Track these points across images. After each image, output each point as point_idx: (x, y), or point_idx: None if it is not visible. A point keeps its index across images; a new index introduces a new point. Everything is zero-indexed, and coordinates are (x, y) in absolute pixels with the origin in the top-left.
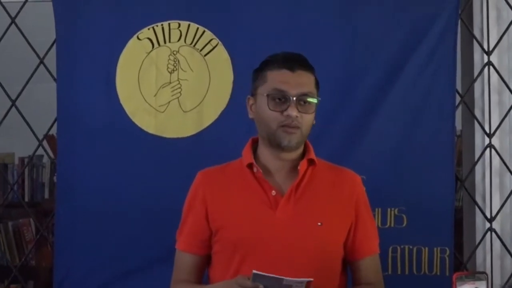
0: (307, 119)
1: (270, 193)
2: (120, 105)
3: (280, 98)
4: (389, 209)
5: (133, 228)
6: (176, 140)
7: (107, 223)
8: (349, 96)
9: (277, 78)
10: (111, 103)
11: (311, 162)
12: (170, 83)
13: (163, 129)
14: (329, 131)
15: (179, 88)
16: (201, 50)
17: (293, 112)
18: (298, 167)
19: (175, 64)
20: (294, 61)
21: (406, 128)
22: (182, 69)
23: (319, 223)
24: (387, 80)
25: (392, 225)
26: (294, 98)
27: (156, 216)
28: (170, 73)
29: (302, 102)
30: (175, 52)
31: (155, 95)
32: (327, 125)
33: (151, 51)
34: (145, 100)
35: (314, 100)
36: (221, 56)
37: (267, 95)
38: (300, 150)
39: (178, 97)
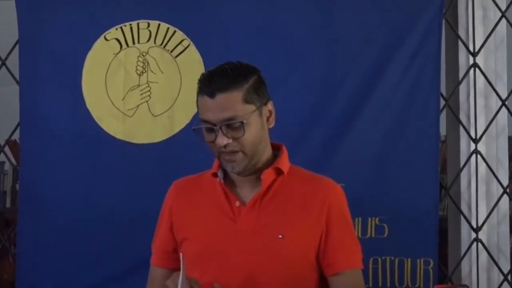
0: (244, 141)
1: (234, 204)
2: (87, 109)
3: (209, 128)
4: (369, 219)
5: (102, 238)
6: (145, 146)
7: (74, 233)
8: (328, 101)
9: (201, 107)
10: (77, 107)
11: (278, 171)
12: (139, 85)
13: (132, 135)
14: (307, 137)
15: (149, 91)
16: (171, 51)
17: (222, 141)
18: (261, 177)
19: (144, 66)
20: (213, 84)
21: (388, 133)
22: (151, 71)
23: (280, 236)
24: (367, 84)
25: (373, 235)
26: (219, 126)
27: (126, 226)
28: (139, 75)
29: (229, 128)
30: (144, 53)
31: (123, 99)
32: (305, 131)
33: (119, 52)
34: (113, 104)
35: (242, 120)
36: (193, 58)
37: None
38: (263, 158)
39: (147, 101)
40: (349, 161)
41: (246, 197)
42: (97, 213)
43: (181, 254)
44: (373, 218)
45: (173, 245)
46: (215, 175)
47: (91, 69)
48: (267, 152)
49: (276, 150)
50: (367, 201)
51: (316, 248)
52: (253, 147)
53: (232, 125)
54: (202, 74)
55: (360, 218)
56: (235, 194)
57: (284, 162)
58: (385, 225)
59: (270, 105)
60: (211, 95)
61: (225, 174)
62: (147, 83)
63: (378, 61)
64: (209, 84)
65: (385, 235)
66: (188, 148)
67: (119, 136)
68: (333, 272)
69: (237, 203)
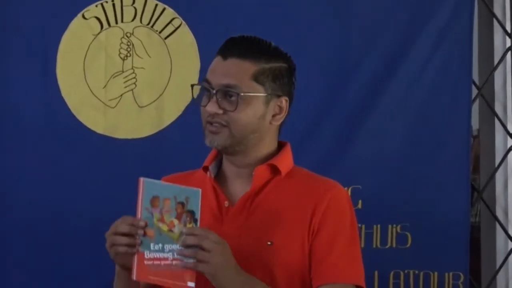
0: (235, 117)
1: (223, 203)
2: (62, 99)
3: (207, 90)
4: (390, 226)
5: (78, 243)
6: (129, 141)
7: (46, 237)
8: (342, 89)
9: (210, 67)
10: (50, 97)
11: (274, 169)
12: (122, 72)
13: (114, 128)
14: (317, 133)
15: (134, 78)
16: (160, 32)
17: (211, 107)
18: (253, 173)
19: (128, 49)
20: (231, 46)
21: (410, 128)
22: (137, 55)
23: (268, 242)
24: (387, 69)
25: (394, 245)
26: (215, 91)
27: (105, 230)
28: (123, 59)
29: (227, 96)
30: (128, 34)
31: (104, 87)
32: (314, 123)
33: (100, 33)
34: (92, 93)
35: (240, 92)
36: (185, 39)
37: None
38: (259, 153)
39: (132, 89)
40: (365, 159)
41: (236, 196)
42: (73, 216)
43: (141, 179)
44: (394, 225)
45: None
46: (205, 169)
47: (66, 53)
48: (267, 149)
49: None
50: (386, 206)
51: (307, 258)
52: (241, 129)
53: (228, 95)
54: (229, 37)
55: (378, 226)
56: (226, 192)
57: (283, 161)
58: (407, 233)
59: (284, 101)
60: (225, 56)
61: (219, 169)
62: (132, 68)
63: (400, 42)
64: (228, 45)
65: (408, 245)
66: (179, 145)
67: (99, 130)
68: (317, 283)
69: (226, 203)
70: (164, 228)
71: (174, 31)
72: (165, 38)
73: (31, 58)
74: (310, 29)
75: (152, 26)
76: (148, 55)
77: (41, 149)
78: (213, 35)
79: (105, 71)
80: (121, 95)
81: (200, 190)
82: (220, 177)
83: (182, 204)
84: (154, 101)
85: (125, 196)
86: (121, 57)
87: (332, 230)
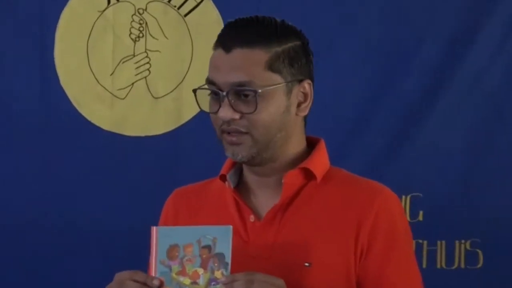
0: (256, 120)
1: (248, 218)
2: (61, 88)
3: (215, 93)
4: (457, 243)
5: (75, 255)
6: (142, 139)
7: (37, 247)
8: (396, 78)
9: (211, 63)
10: (47, 86)
11: (308, 174)
12: (134, 56)
13: (123, 124)
14: (366, 130)
15: (148, 63)
16: (179, 8)
17: (225, 114)
18: (283, 181)
19: (141, 29)
20: (233, 35)
21: (479, 124)
22: (151, 36)
23: (306, 264)
24: (450, 60)
25: (462, 265)
26: (225, 93)
27: (113, 242)
28: (134, 41)
29: (241, 96)
30: (141, 11)
31: (111, 74)
32: (364, 122)
33: (106, 9)
34: (97, 82)
35: (257, 90)
36: (209, 17)
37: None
38: (288, 155)
39: (145, 77)
40: (425, 161)
41: (263, 209)
42: (70, 225)
43: (153, 228)
44: (462, 241)
45: None
46: (223, 178)
47: (66, 33)
48: (296, 148)
49: (312, 146)
50: (453, 218)
51: (353, 279)
52: (265, 132)
53: (243, 94)
54: (226, 23)
55: (443, 242)
56: (250, 205)
57: (318, 162)
58: (479, 251)
59: (307, 86)
60: (227, 48)
61: (240, 177)
62: (145, 52)
63: (465, 27)
64: (229, 34)
65: (479, 265)
66: (200, 144)
67: (105, 126)
68: None
69: (252, 218)
70: (186, 281)
71: (196, 7)
72: (185, 15)
73: (24, 40)
74: (356, 8)
75: (169, 1)
76: (165, 35)
77: (38, 147)
78: (241, 11)
79: (112, 55)
80: (132, 84)
81: (231, 227)
82: (241, 187)
83: (209, 247)
84: (172, 91)
85: (134, 200)
86: (132, 38)
87: (385, 247)
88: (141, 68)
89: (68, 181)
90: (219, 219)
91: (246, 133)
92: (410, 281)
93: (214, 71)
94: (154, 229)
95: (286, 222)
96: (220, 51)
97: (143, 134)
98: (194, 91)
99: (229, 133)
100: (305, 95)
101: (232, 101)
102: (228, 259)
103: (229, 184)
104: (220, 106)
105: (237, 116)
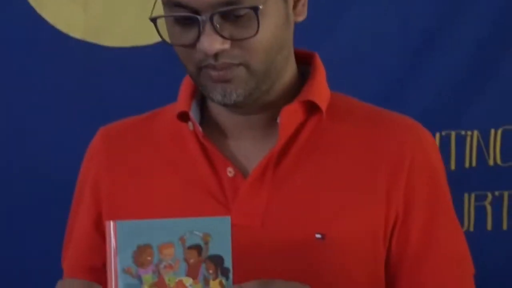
0: (257, 44)
1: (224, 172)
2: None
3: (186, 20)
4: None
5: (45, 202)
6: (123, 50)
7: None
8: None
9: None
10: None
11: (310, 107)
12: None
13: (98, 31)
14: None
15: None
16: None
17: (210, 44)
18: (278, 120)
19: None
20: None
21: None
22: None
23: (318, 235)
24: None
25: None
26: (208, 16)
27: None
28: None
29: (230, 17)
30: None
31: None
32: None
33: None
34: None
35: (257, 5)
36: None
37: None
38: (284, 82)
39: None
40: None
41: (247, 159)
42: (37, 164)
43: (109, 222)
44: None
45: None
46: (183, 116)
47: None
48: (290, 69)
49: (303, 63)
50: None
51: (384, 251)
52: (266, 57)
53: (234, 15)
54: None
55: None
56: (225, 153)
57: (322, 90)
58: None
59: None
60: None
61: (202, 114)
62: None
63: None
64: None
65: None
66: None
67: (77, 34)
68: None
69: (230, 171)
70: None
71: None
72: None
73: None
74: None
75: None
76: None
77: None
78: None
79: None
80: None
81: (229, 218)
82: (208, 127)
83: (198, 248)
84: None
85: None
86: None
87: (429, 209)
88: None
89: (33, 102)
90: (184, 172)
91: (238, 65)
92: (459, 253)
93: None
94: (111, 224)
95: (284, 177)
96: None
97: (128, 45)
98: (153, 20)
99: (215, 67)
100: None
101: (218, 25)
102: (229, 264)
103: (195, 125)
104: (199, 35)
105: (227, 45)
